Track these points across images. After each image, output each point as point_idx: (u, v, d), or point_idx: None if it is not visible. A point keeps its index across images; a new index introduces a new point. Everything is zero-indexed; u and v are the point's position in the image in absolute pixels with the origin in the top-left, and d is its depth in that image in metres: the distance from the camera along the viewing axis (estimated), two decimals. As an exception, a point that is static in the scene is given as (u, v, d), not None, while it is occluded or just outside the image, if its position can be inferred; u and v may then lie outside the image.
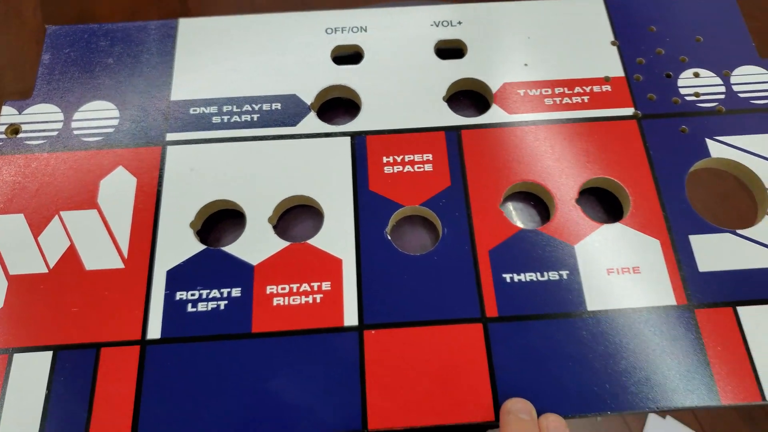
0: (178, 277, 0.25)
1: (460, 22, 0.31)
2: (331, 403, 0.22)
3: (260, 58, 0.30)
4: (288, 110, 0.29)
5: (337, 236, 0.26)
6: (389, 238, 0.26)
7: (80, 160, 0.28)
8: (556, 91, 0.29)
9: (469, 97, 0.31)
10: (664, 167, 0.27)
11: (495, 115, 0.28)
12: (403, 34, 0.31)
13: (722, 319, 0.24)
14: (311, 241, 0.25)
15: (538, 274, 0.25)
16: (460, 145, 0.28)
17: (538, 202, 0.28)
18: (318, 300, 0.24)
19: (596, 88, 0.29)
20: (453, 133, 0.28)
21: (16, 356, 0.23)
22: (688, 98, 0.29)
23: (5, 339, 0.23)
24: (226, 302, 0.24)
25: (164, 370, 0.23)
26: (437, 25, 0.31)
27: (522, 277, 0.25)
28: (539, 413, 0.22)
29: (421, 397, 0.23)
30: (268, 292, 0.24)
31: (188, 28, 0.31)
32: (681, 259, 0.25)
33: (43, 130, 0.28)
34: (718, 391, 0.23)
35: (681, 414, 0.54)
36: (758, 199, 0.27)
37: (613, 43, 0.30)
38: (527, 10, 0.31)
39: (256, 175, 0.27)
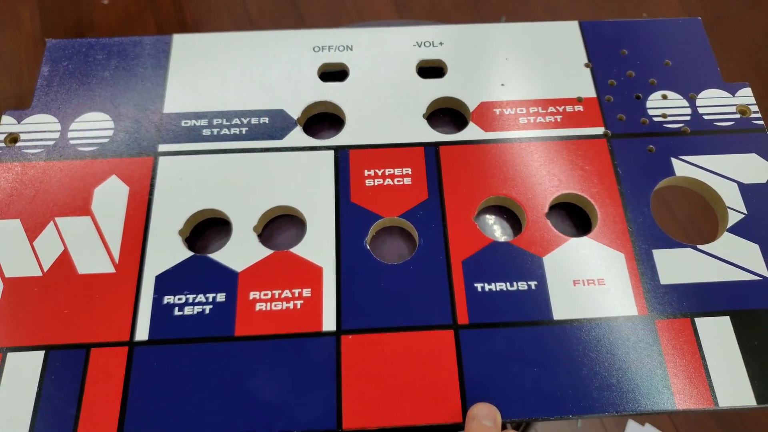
0: (166, 282, 0.26)
1: (441, 43, 0.33)
2: (309, 403, 0.24)
3: (250, 73, 0.31)
4: (275, 124, 0.30)
5: (318, 245, 0.27)
6: (368, 247, 0.27)
7: (75, 169, 0.29)
8: (531, 110, 0.31)
9: (448, 114, 0.32)
10: (630, 184, 0.29)
11: (472, 132, 0.30)
12: (387, 53, 0.32)
13: (681, 329, 0.25)
14: (294, 250, 0.27)
15: (508, 284, 0.26)
16: (438, 160, 0.29)
17: (511, 215, 0.29)
18: (299, 306, 0.25)
19: (569, 108, 0.31)
20: (431, 148, 0.29)
21: (10, 355, 0.24)
22: (655, 119, 0.30)
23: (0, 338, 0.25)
24: (211, 306, 0.25)
25: (151, 370, 0.24)
26: (420, 45, 0.33)
27: (493, 286, 0.26)
28: (505, 416, 0.23)
29: (394, 398, 0.24)
30: (251, 297, 0.26)
31: (182, 44, 0.32)
32: (644, 272, 0.26)
33: (41, 140, 0.30)
34: (674, 397, 0.24)
35: (659, 421, 0.55)
36: (719, 216, 0.29)
37: (586, 65, 0.32)
38: (506, 32, 0.33)
39: (243, 186, 0.28)
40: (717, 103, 0.31)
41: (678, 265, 0.27)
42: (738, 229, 0.27)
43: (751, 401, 0.24)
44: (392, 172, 0.29)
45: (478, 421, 0.23)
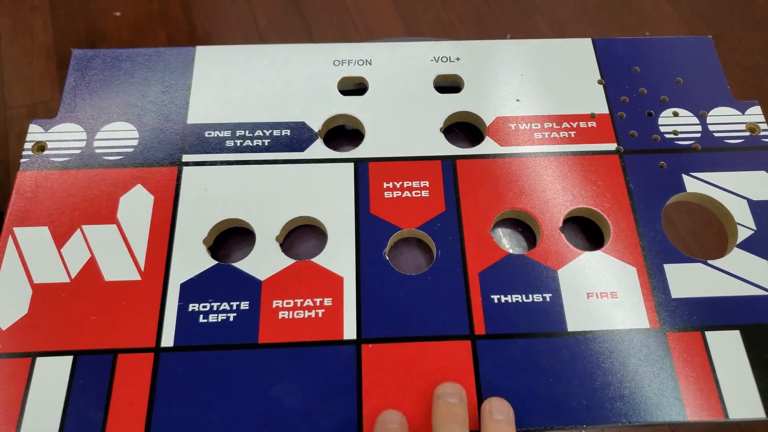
0: (190, 290, 0.27)
1: (458, 58, 0.33)
2: (330, 410, 0.24)
3: (272, 86, 0.32)
4: (296, 136, 0.31)
5: (339, 255, 0.28)
6: (387, 258, 0.28)
7: (101, 178, 0.30)
8: (545, 126, 0.31)
9: (464, 129, 0.33)
10: (642, 200, 0.29)
11: (488, 146, 0.31)
12: (405, 68, 0.33)
13: (691, 342, 0.26)
14: (315, 260, 0.27)
15: (524, 296, 0.27)
16: (455, 173, 0.30)
17: (526, 228, 0.30)
18: (320, 315, 0.26)
19: (582, 124, 0.31)
20: (449, 162, 0.30)
21: (39, 360, 0.25)
22: (667, 136, 0.31)
23: (29, 343, 0.25)
24: (235, 314, 0.26)
25: (176, 376, 0.25)
26: (437, 61, 0.33)
27: (509, 298, 0.27)
28: (520, 425, 0.24)
29: (413, 406, 0.24)
30: (274, 306, 0.26)
31: (205, 55, 0.33)
32: (655, 285, 0.27)
33: (67, 148, 0.30)
34: (685, 408, 0.25)
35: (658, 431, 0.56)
36: (729, 232, 0.30)
37: (599, 82, 0.33)
38: (521, 49, 0.34)
39: (265, 197, 0.29)
40: (727, 120, 0.32)
41: (689, 280, 0.27)
42: (747, 245, 0.28)
43: (761, 413, 0.25)
44: (410, 184, 0.29)
45: (443, 399, 0.23)
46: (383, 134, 0.31)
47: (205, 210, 0.29)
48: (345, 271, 0.27)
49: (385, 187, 0.29)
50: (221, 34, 0.83)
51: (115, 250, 0.28)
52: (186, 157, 0.30)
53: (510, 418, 0.23)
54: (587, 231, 0.30)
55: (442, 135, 0.31)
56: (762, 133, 0.31)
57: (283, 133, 0.31)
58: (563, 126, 0.31)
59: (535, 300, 0.27)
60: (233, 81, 0.32)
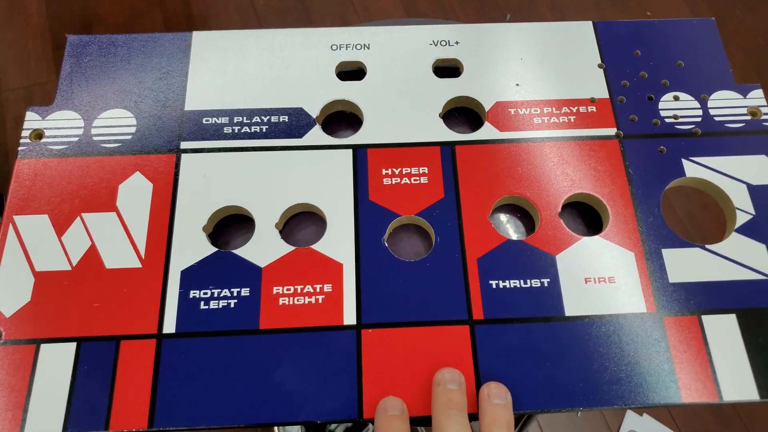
0: (191, 277, 0.27)
1: (457, 42, 0.33)
2: (331, 393, 0.25)
3: (269, 72, 0.32)
4: (295, 122, 0.31)
5: (338, 242, 0.28)
6: (386, 245, 0.28)
7: (99, 165, 0.30)
8: (545, 110, 0.31)
9: (464, 114, 0.33)
10: (641, 185, 0.29)
11: (487, 132, 0.31)
12: (404, 52, 0.33)
13: (688, 326, 0.26)
14: (315, 246, 0.28)
15: (522, 281, 0.27)
16: (454, 159, 0.30)
17: (524, 214, 0.30)
18: (320, 300, 0.26)
19: (582, 109, 0.31)
20: (447, 148, 0.30)
21: (43, 347, 0.25)
22: (667, 120, 0.31)
23: (33, 330, 0.26)
24: (235, 301, 0.26)
25: (179, 362, 0.25)
26: (436, 44, 0.33)
27: (507, 283, 0.27)
28: (518, 407, 0.24)
29: (412, 389, 0.25)
30: (274, 292, 0.26)
31: (201, 41, 0.33)
32: (653, 270, 0.27)
33: (65, 136, 0.30)
34: (680, 390, 0.25)
35: (657, 412, 0.57)
36: (727, 217, 0.30)
37: (599, 66, 0.33)
38: (521, 33, 0.33)
39: (264, 183, 0.29)
40: (728, 104, 0.31)
41: (686, 264, 0.27)
42: (746, 230, 0.28)
43: (755, 395, 0.25)
44: (409, 171, 0.29)
45: (443, 386, 0.24)
46: (382, 120, 0.31)
47: (204, 197, 0.29)
48: (344, 258, 0.27)
49: (384, 173, 0.29)
50: (218, 16, 0.82)
51: (115, 238, 0.28)
52: (184, 144, 0.30)
53: (508, 403, 0.24)
54: (586, 216, 0.30)
55: (441, 120, 0.31)
56: (763, 117, 0.31)
57: (281, 120, 0.31)
58: (563, 111, 0.31)
59: (534, 285, 0.27)
60: (230, 66, 0.32)
